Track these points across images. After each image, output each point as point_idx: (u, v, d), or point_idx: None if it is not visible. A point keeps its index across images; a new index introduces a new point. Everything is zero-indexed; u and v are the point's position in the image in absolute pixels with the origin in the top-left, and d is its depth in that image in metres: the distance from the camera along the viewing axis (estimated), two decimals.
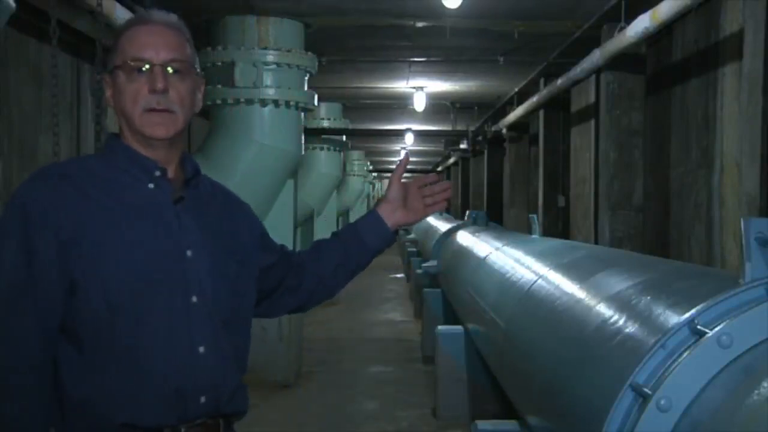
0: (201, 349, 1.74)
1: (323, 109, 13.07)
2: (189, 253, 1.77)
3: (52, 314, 1.68)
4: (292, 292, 2.10)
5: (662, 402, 1.86)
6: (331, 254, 2.12)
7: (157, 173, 1.79)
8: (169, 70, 1.77)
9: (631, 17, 6.04)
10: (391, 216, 2.11)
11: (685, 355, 1.91)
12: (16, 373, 1.65)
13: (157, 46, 1.77)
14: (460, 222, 10.72)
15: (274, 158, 6.80)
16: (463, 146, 15.07)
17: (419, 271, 10.28)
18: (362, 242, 2.11)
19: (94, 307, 1.68)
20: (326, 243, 2.15)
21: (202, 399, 1.74)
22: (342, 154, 14.20)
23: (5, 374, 1.65)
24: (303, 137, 7.16)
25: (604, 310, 2.65)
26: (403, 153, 24.22)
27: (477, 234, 7.52)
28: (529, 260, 4.36)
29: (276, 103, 6.71)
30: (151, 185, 1.78)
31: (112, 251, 1.69)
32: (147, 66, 1.75)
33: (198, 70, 1.86)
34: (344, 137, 13.83)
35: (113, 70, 1.79)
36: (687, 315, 1.99)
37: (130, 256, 1.69)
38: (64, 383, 1.69)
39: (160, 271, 1.73)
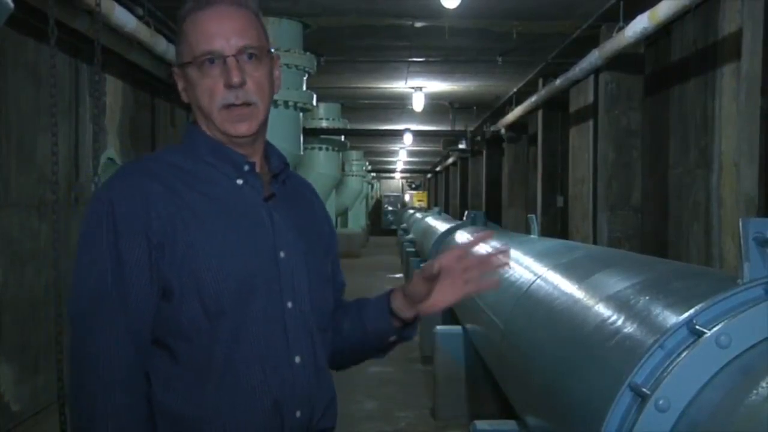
0: (297, 360, 1.62)
1: (322, 109, 13.08)
2: (282, 254, 1.63)
3: (145, 325, 1.56)
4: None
5: (661, 402, 1.86)
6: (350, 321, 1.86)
7: (246, 168, 1.65)
8: (244, 58, 1.61)
9: (629, 17, 6.05)
10: (404, 307, 1.81)
11: (683, 355, 1.91)
12: (108, 390, 1.52)
13: (226, 33, 1.61)
14: (458, 222, 10.72)
15: None
16: (461, 146, 15.09)
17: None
18: (362, 322, 1.86)
19: (191, 315, 1.55)
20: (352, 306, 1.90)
21: (298, 413, 1.62)
22: (341, 154, 14.21)
23: (96, 391, 1.52)
24: (301, 137, 7.16)
25: (602, 310, 2.65)
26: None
27: (475, 234, 7.52)
28: (528, 260, 4.36)
29: (275, 103, 6.70)
30: (239, 181, 1.64)
31: (206, 253, 1.56)
32: (220, 58, 1.60)
33: (270, 47, 1.69)
34: (343, 137, 13.84)
35: (183, 66, 1.64)
36: (685, 315, 1.99)
37: (225, 258, 1.57)
38: (158, 398, 1.57)
39: (256, 275, 1.59)
